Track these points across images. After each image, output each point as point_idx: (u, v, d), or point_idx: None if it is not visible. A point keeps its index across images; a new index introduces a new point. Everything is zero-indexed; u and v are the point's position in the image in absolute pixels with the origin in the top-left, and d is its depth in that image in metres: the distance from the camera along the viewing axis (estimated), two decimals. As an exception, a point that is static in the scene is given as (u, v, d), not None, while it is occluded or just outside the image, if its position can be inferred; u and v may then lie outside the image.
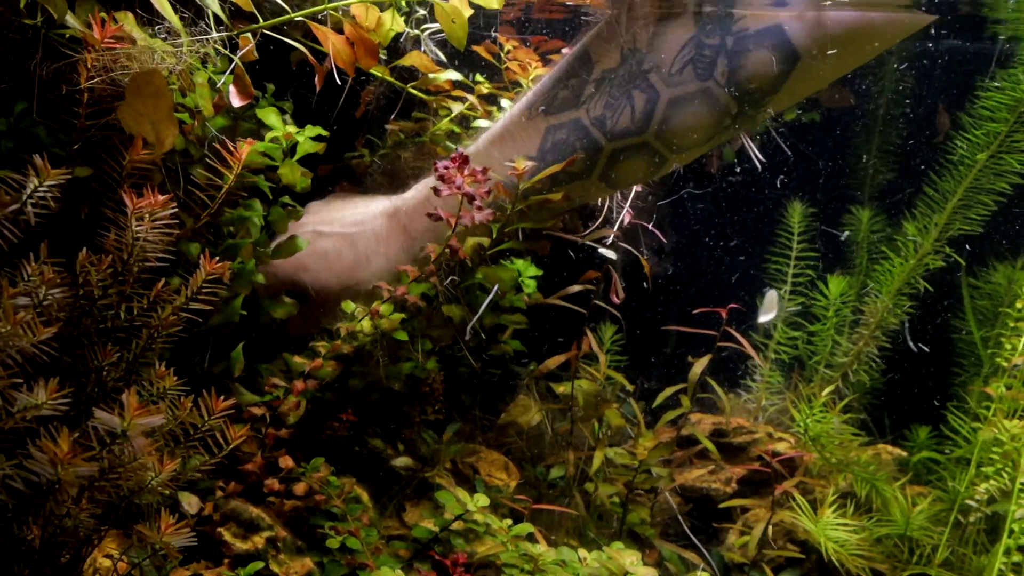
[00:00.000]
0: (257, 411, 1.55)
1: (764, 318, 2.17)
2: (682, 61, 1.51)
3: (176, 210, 1.27)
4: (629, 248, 1.84)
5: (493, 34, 1.99)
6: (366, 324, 1.54)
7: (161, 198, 1.28)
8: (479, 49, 1.97)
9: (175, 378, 1.28)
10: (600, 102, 1.55)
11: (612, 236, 1.82)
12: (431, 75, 1.83)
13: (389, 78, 1.79)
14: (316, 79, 1.39)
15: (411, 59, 1.73)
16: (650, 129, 1.54)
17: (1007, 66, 2.02)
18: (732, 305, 1.78)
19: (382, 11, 1.31)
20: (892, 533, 1.75)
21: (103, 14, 1.17)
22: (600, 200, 1.90)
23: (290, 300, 1.70)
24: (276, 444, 1.54)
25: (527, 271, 1.86)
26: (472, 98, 1.93)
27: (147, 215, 1.29)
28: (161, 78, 1.21)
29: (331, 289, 1.72)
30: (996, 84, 2.02)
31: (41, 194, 1.22)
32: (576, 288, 1.74)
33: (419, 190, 1.76)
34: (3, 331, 1.13)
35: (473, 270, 1.68)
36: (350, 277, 1.72)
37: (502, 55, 1.97)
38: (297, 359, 1.58)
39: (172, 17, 1.19)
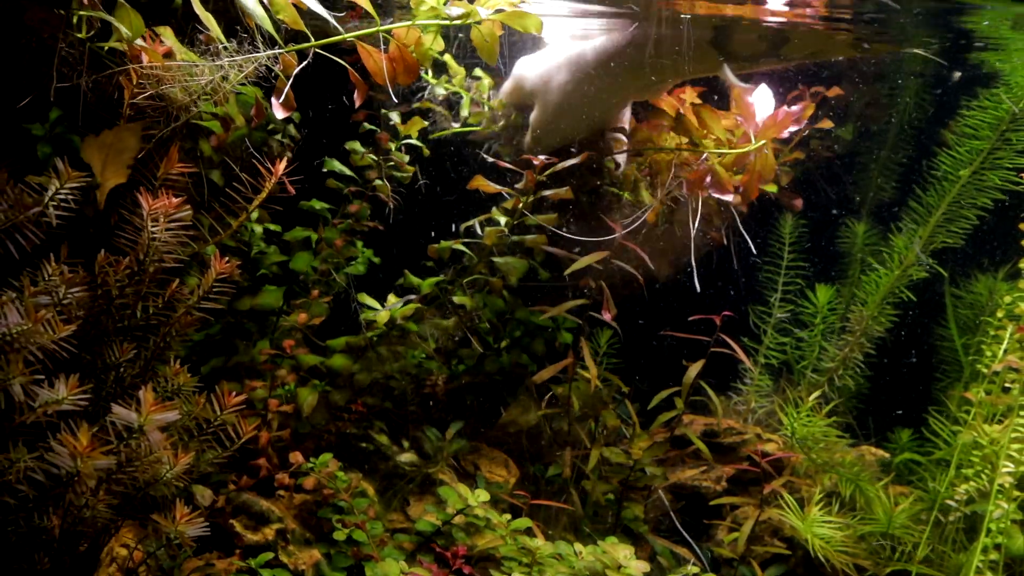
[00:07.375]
0: (259, 385, 1.59)
1: None
2: None
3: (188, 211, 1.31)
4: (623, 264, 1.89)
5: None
6: (383, 316, 1.59)
7: (175, 200, 1.31)
8: None
9: (189, 375, 1.32)
10: None
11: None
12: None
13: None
14: (356, 95, 1.45)
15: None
16: None
17: (990, 86, 2.09)
18: (726, 313, 1.84)
19: (423, 33, 1.36)
20: (875, 531, 1.80)
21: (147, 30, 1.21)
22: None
23: (324, 301, 1.75)
24: (280, 424, 1.58)
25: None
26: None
27: (162, 216, 1.33)
28: (135, 140, 1.29)
29: None
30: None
31: (63, 196, 1.25)
32: (569, 305, 1.82)
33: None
34: (25, 328, 1.16)
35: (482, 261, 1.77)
36: None
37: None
38: (307, 355, 1.63)
39: (218, 34, 1.24)
